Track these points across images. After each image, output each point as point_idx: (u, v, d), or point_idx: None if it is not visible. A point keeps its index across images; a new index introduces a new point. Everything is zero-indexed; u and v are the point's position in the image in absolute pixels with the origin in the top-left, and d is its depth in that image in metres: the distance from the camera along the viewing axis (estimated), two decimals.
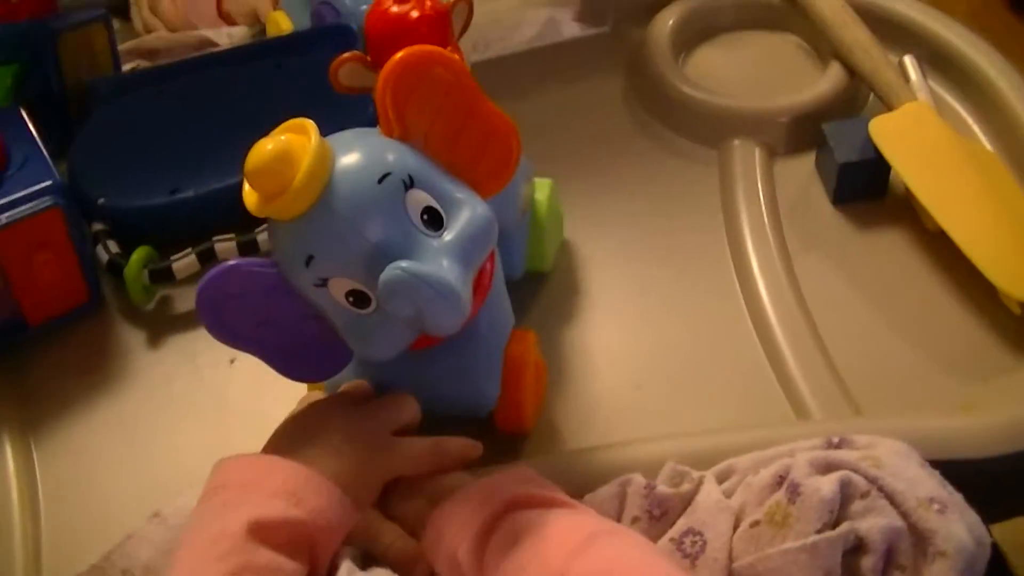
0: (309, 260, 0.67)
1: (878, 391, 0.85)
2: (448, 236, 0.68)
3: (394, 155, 0.69)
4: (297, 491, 0.69)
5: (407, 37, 0.75)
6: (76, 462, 0.89)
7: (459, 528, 0.69)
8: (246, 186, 0.68)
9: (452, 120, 0.71)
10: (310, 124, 0.68)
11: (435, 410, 0.80)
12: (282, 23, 1.17)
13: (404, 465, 0.75)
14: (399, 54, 0.69)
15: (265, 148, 0.66)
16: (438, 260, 0.66)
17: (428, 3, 0.79)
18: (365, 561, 0.73)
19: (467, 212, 0.69)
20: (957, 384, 0.86)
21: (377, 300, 0.67)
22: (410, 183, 0.68)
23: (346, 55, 0.80)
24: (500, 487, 0.71)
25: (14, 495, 0.86)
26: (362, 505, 0.73)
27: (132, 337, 0.97)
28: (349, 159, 0.68)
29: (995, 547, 0.77)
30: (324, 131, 0.68)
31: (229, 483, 0.70)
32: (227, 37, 1.22)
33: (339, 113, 0.74)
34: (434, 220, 0.68)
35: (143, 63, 1.23)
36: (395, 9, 0.78)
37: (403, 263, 0.65)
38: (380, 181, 0.67)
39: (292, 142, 0.66)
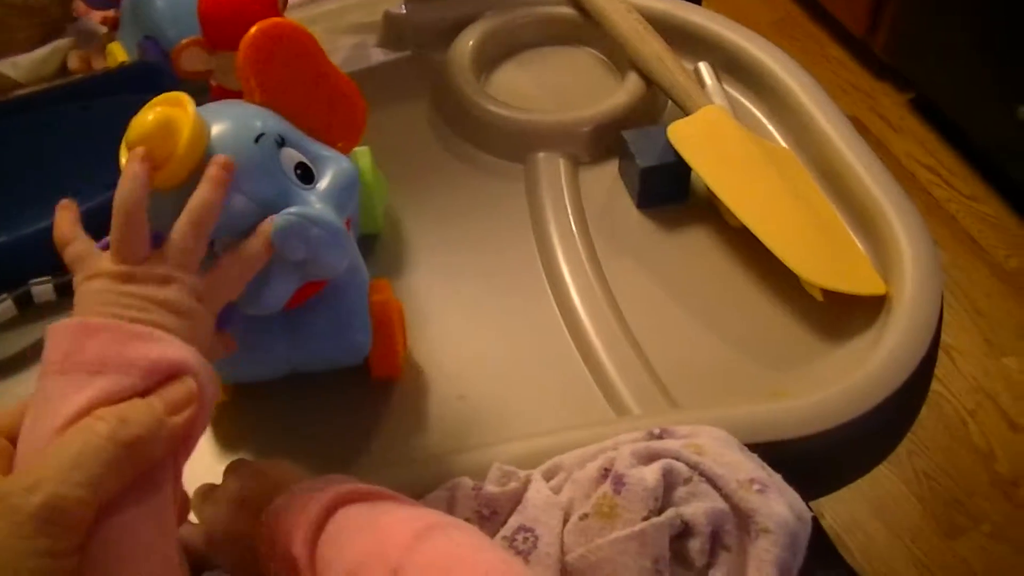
0: None
1: (693, 385, 0.88)
2: (322, 186, 0.73)
3: (262, 118, 0.73)
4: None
5: (243, 15, 0.78)
6: None
7: (291, 524, 0.68)
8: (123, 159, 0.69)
9: (306, 84, 0.77)
10: (185, 96, 0.70)
11: (313, 365, 0.85)
12: (118, 54, 1.17)
13: None
14: (255, 27, 0.73)
15: (146, 119, 0.67)
16: (319, 206, 0.72)
17: None
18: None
19: (334, 166, 0.75)
20: (767, 373, 0.90)
21: None
22: (282, 142, 0.72)
23: (186, 40, 0.84)
24: (328, 484, 0.71)
25: None
26: None
27: None
28: (223, 125, 0.71)
29: (816, 522, 0.80)
30: None
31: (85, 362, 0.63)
32: (11, 67, 1.20)
33: None
34: (306, 174, 0.73)
35: None
36: None
37: (292, 209, 0.70)
38: (256, 141, 0.71)
39: (171, 113, 0.68)
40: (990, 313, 2.12)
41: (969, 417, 1.98)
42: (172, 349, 0.63)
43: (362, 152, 0.95)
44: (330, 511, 0.68)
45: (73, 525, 0.55)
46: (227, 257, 0.70)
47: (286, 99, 0.75)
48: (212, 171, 0.68)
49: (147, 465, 0.59)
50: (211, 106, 0.74)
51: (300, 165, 0.73)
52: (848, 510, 1.85)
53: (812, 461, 0.82)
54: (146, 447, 0.59)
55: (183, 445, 0.63)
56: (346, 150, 0.78)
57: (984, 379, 2.03)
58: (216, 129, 0.70)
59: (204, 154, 0.69)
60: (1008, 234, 2.24)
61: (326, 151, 0.76)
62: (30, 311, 0.95)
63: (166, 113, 0.68)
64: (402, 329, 0.89)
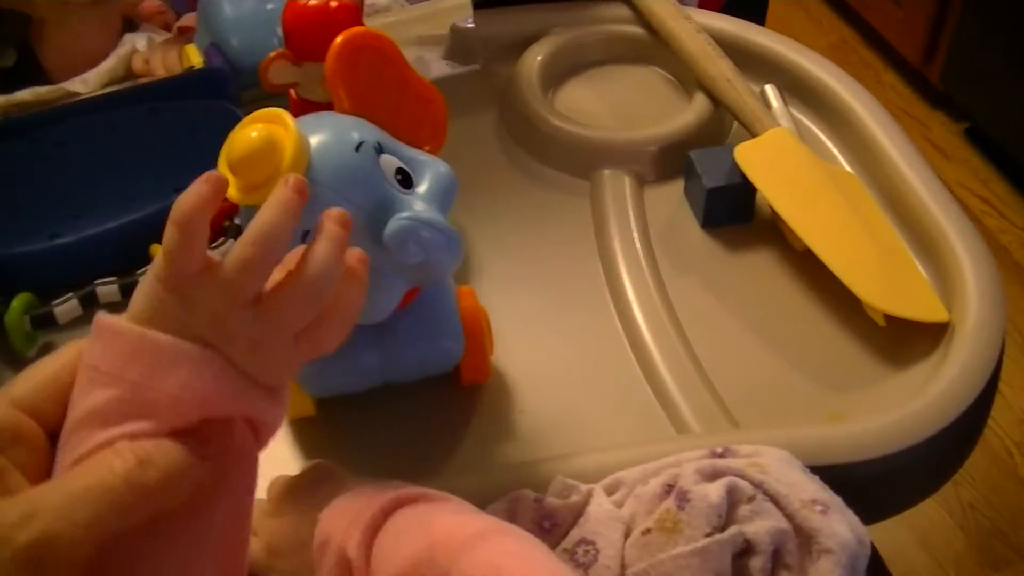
0: (304, 236, 0.64)
1: (753, 405, 0.88)
2: (422, 190, 0.74)
3: (359, 127, 0.74)
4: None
5: (327, 26, 0.79)
6: None
7: (348, 525, 0.68)
8: (228, 177, 0.67)
9: (390, 90, 0.78)
10: (284, 112, 0.70)
11: (404, 374, 0.86)
12: (193, 57, 1.20)
13: None
14: (340, 36, 0.76)
15: (249, 137, 0.67)
16: (425, 209, 0.73)
17: None
18: None
19: (431, 169, 0.76)
20: (827, 395, 0.90)
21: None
22: (380, 149, 0.73)
23: (272, 53, 0.84)
24: (385, 486, 0.71)
25: None
26: None
27: None
28: (322, 137, 0.71)
29: (874, 548, 0.80)
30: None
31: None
32: (81, 84, 1.22)
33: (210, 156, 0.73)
34: (406, 179, 0.74)
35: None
36: (313, 2, 0.82)
37: (404, 214, 0.71)
38: (357, 150, 0.72)
39: (273, 131, 0.68)
40: None
41: (1016, 449, 1.97)
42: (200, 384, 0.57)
43: None
44: (387, 513, 0.68)
45: (62, 568, 0.50)
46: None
47: (373, 106, 0.77)
48: (281, 192, 0.59)
49: (162, 510, 0.54)
50: (306, 119, 0.74)
51: (400, 171, 0.74)
52: (892, 539, 1.84)
53: (868, 486, 0.81)
54: (162, 494, 0.54)
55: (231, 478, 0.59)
56: (433, 153, 0.80)
57: None
58: (315, 141, 0.71)
59: (306, 169, 0.69)
60: None
61: (421, 155, 0.77)
62: (94, 310, 0.95)
63: (268, 131, 0.68)
64: (489, 335, 0.89)
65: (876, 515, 0.85)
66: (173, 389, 0.55)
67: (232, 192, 0.68)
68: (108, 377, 0.55)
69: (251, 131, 0.68)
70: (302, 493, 0.76)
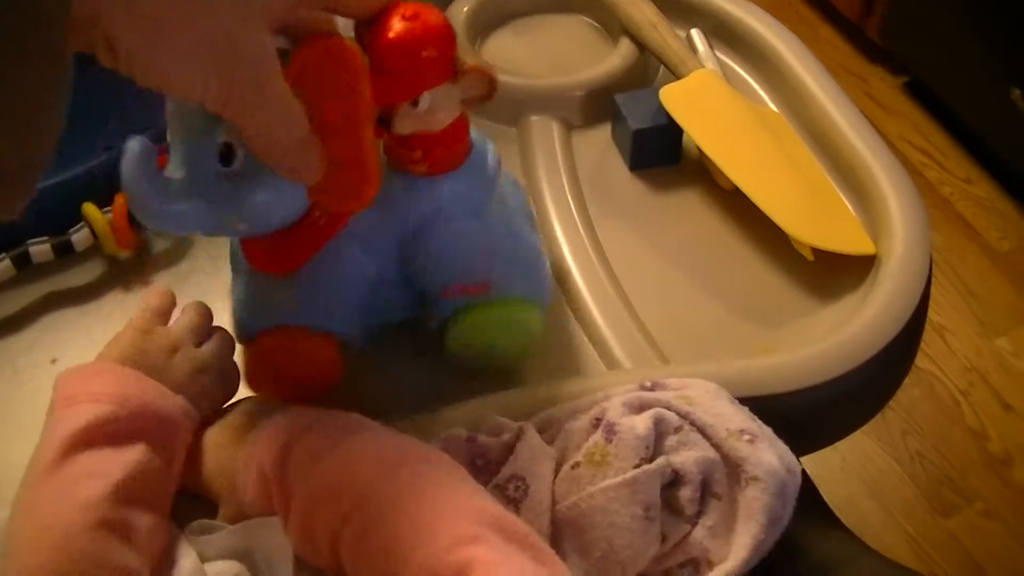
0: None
1: (684, 342, 0.89)
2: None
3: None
4: (123, 391, 0.72)
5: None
6: None
7: (267, 442, 0.71)
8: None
9: (330, 111, 0.69)
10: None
11: None
12: None
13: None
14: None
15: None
16: None
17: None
18: None
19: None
20: (758, 330, 0.91)
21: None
22: None
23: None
24: (309, 410, 0.74)
25: None
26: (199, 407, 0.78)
27: None
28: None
29: (806, 477, 0.81)
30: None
31: (58, 401, 0.72)
32: None
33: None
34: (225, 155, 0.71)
35: None
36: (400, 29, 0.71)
37: None
38: None
39: None
40: (983, 295, 2.13)
41: (962, 397, 1.99)
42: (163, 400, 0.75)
43: None
44: (306, 430, 0.71)
45: None
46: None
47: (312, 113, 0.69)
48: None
49: None
50: None
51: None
52: (842, 489, 1.86)
53: (799, 417, 0.82)
54: None
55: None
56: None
57: (977, 359, 2.04)
58: None
59: None
60: (1001, 217, 2.25)
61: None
62: (28, 271, 0.96)
63: None
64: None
65: (808, 446, 0.86)
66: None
67: None
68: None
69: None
70: (239, 425, 0.78)
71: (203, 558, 0.70)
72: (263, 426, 0.74)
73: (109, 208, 0.95)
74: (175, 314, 0.82)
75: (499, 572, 0.60)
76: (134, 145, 0.69)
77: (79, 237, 0.95)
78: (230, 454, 0.75)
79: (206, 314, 0.82)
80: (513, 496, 0.74)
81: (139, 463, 0.70)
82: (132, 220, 0.94)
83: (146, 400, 0.73)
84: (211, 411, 0.80)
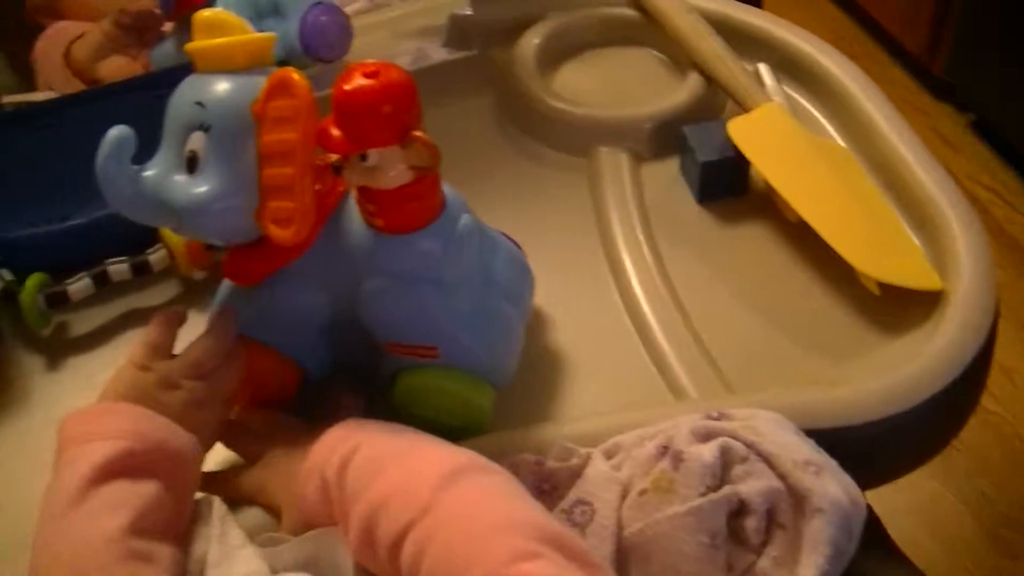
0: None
1: (750, 371, 0.90)
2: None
3: (220, 104, 0.78)
4: (137, 428, 0.74)
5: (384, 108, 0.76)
6: None
7: (329, 452, 0.74)
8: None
9: (270, 137, 0.76)
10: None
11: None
12: None
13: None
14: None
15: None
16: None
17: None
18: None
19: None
20: (822, 362, 0.91)
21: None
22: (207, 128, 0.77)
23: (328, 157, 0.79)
24: (371, 420, 0.77)
25: None
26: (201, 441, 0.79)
27: (30, 363, 0.99)
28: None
29: (870, 511, 0.81)
30: None
31: (70, 441, 0.73)
32: None
33: None
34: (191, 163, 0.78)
35: None
36: (363, 83, 0.75)
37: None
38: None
39: None
40: None
41: None
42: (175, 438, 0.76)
43: None
44: (367, 439, 0.74)
45: None
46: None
47: (264, 132, 0.77)
48: (218, 327, 0.83)
49: None
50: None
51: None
52: (907, 529, 1.84)
53: (863, 450, 0.82)
54: None
55: None
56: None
57: None
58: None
59: None
60: None
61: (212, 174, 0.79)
62: (107, 289, 1.00)
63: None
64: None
65: (871, 480, 0.86)
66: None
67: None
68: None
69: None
70: (299, 436, 0.80)
71: (273, 570, 0.71)
72: (324, 436, 0.76)
73: None
74: None
75: None
76: (114, 132, 0.77)
77: (156, 258, 0.99)
78: (293, 465, 0.77)
79: (213, 348, 0.83)
80: (579, 521, 0.75)
81: (155, 496, 0.71)
82: (207, 243, 0.96)
83: (160, 437, 0.74)
84: (214, 439, 0.83)
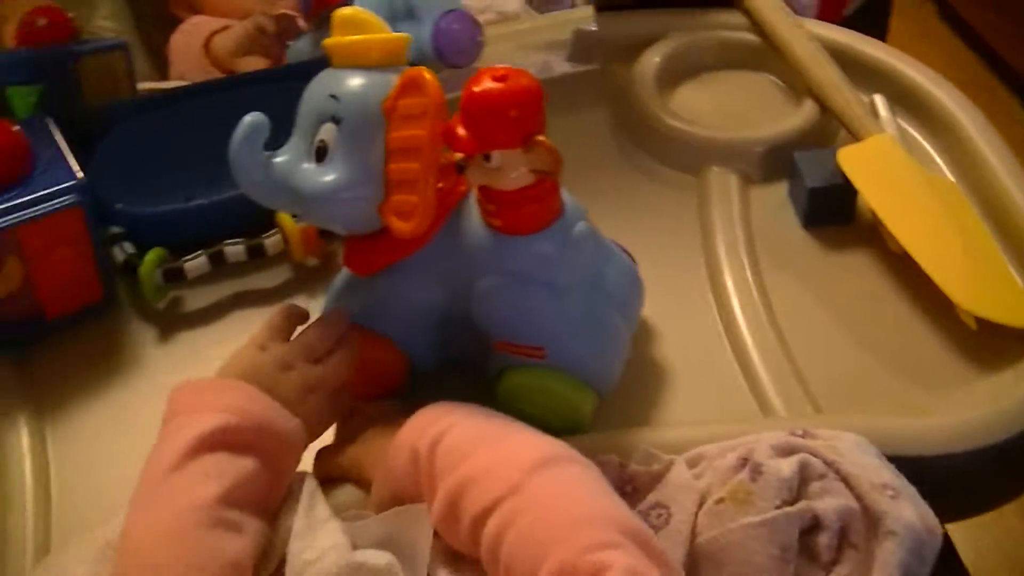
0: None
1: (840, 394, 0.91)
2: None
3: (353, 98, 0.82)
4: (244, 405, 0.78)
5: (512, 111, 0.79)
6: (87, 447, 0.95)
7: (422, 427, 0.77)
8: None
9: (399, 132, 0.81)
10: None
11: None
12: None
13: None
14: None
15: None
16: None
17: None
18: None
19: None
20: (914, 392, 0.92)
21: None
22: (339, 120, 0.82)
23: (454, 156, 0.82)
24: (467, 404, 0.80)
25: (28, 476, 0.92)
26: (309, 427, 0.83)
27: (143, 333, 1.04)
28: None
29: (949, 543, 0.82)
30: None
31: (179, 409, 0.78)
32: None
33: None
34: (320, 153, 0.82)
35: None
36: (494, 85, 0.78)
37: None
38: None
39: None
40: None
41: None
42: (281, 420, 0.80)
43: None
44: (461, 419, 0.77)
45: None
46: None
47: (392, 129, 0.81)
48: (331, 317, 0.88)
49: None
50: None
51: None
52: (990, 566, 1.83)
53: (943, 482, 0.83)
54: None
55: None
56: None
57: None
58: None
59: None
60: None
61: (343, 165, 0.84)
62: (222, 269, 1.04)
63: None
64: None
65: (951, 513, 0.86)
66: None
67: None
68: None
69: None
70: (394, 416, 0.84)
71: (354, 545, 0.75)
72: (419, 413, 0.79)
73: None
74: None
75: None
76: (249, 119, 0.82)
77: (271, 242, 1.04)
78: (387, 442, 0.80)
79: (325, 333, 0.87)
80: (655, 523, 0.77)
81: (252, 472, 0.75)
82: (321, 231, 1.01)
83: (266, 417, 0.79)
84: (323, 427, 0.86)
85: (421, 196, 0.79)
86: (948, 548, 0.82)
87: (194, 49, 1.39)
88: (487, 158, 0.79)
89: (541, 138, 0.78)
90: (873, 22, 1.32)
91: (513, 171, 0.79)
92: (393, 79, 0.81)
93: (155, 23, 1.47)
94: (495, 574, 0.70)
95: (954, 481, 0.85)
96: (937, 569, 0.76)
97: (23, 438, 0.95)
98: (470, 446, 0.74)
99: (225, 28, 1.39)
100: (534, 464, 0.71)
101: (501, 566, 0.68)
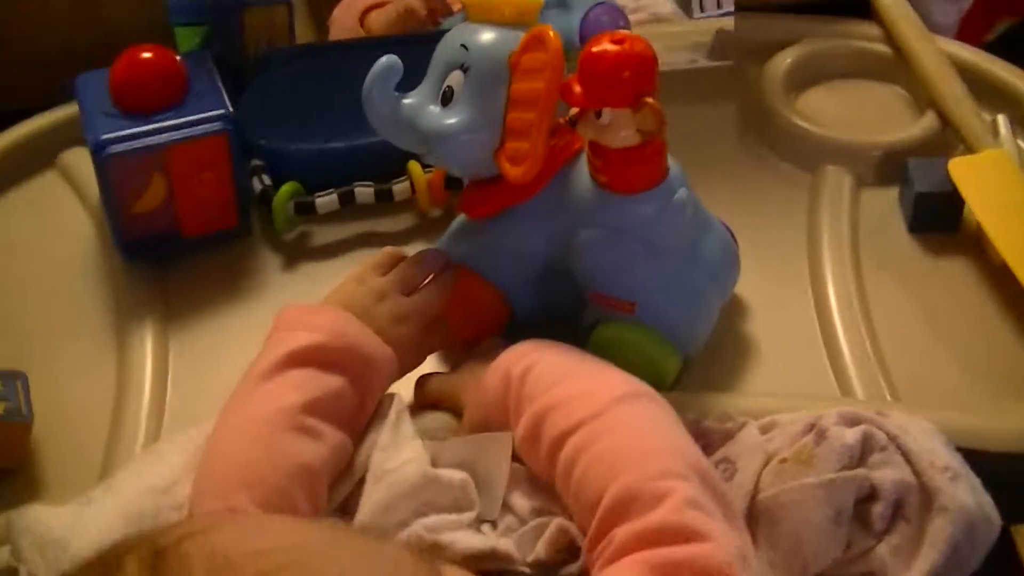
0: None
1: (920, 390, 0.94)
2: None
3: (482, 49, 0.88)
4: (337, 327, 0.85)
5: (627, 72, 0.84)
6: (204, 356, 1.02)
7: (516, 354, 0.83)
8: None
9: (520, 84, 0.86)
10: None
11: None
12: None
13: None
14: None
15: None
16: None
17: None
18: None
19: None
20: (996, 398, 0.95)
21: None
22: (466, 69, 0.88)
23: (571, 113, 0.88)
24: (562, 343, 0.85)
25: (148, 374, 0.99)
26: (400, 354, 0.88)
27: (271, 261, 1.10)
28: None
29: (1009, 539, 0.84)
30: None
31: (280, 327, 0.86)
32: None
33: None
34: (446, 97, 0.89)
35: None
36: (611, 48, 0.84)
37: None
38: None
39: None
40: None
41: None
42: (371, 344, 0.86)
43: None
44: (554, 351, 0.83)
45: None
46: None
47: (517, 79, 0.87)
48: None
49: None
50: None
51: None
52: None
53: (1012, 481, 0.85)
54: None
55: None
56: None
57: None
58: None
59: None
60: None
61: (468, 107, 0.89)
62: (350, 208, 1.11)
63: None
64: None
65: (1011, 516, 0.88)
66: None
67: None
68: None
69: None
70: (480, 355, 0.90)
71: (435, 463, 0.81)
72: (516, 345, 0.85)
73: (430, 168, 1.08)
74: None
75: (691, 511, 0.68)
76: (384, 60, 0.88)
77: (399, 188, 1.10)
78: (482, 371, 0.86)
79: (419, 268, 0.93)
80: (721, 476, 0.81)
81: (338, 388, 0.82)
82: (447, 183, 1.07)
83: (357, 340, 0.85)
84: (417, 357, 0.93)
85: (533, 144, 0.85)
86: (1009, 547, 0.83)
87: (351, 22, 1.45)
88: (598, 115, 0.84)
89: (650, 100, 0.83)
90: (1016, 51, 1.32)
91: (621, 129, 0.84)
92: (521, 36, 0.86)
93: None
94: (566, 495, 0.75)
95: (1018, 480, 0.86)
96: (994, 566, 0.79)
97: (148, 341, 1.02)
98: (560, 375, 0.80)
99: (381, 4, 1.46)
100: (617, 397, 0.76)
101: (572, 487, 0.74)
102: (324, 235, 1.12)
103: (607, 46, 0.83)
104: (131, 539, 0.55)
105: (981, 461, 0.81)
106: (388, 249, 0.95)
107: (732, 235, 0.97)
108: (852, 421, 0.81)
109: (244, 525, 0.57)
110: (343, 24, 1.46)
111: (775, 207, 1.13)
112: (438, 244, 0.97)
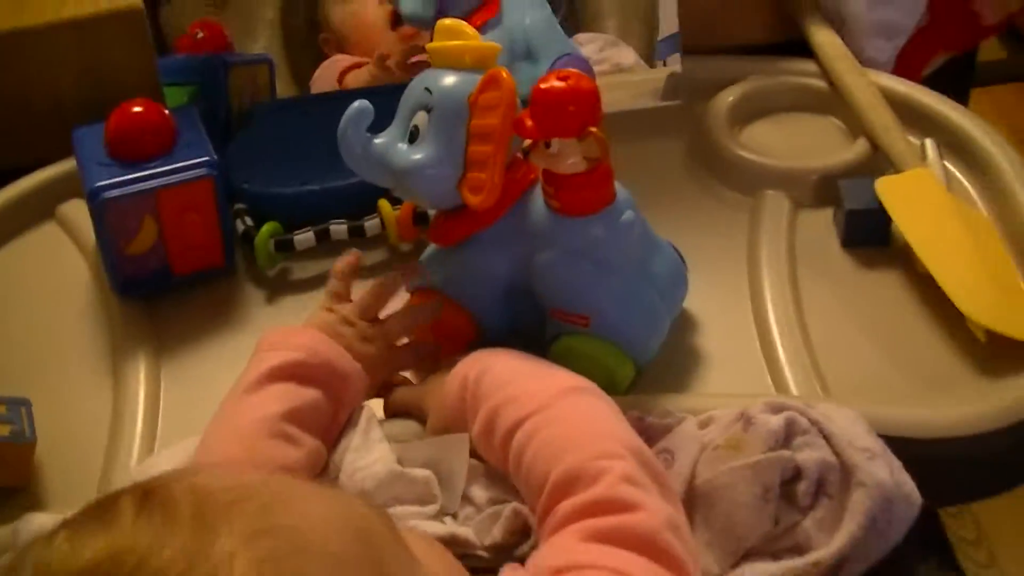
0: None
1: (850, 386, 1.02)
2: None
3: (444, 91, 0.96)
4: (314, 346, 0.93)
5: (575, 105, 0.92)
6: (194, 383, 1.10)
7: (473, 361, 0.92)
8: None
9: (479, 120, 0.94)
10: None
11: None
12: None
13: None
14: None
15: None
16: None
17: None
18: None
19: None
20: (919, 390, 1.02)
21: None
22: (430, 109, 0.96)
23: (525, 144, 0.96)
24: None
25: (141, 400, 1.07)
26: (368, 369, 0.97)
27: (255, 296, 1.18)
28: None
29: (934, 518, 0.91)
30: None
31: (263, 347, 0.94)
32: None
33: None
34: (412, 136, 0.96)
35: None
36: (560, 84, 0.92)
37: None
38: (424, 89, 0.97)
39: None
40: None
41: None
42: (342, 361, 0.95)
43: None
44: (507, 359, 0.91)
45: None
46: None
47: (475, 114, 0.95)
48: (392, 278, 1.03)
49: None
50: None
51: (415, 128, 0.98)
52: None
53: (932, 466, 0.91)
54: None
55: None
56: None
57: None
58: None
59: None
60: None
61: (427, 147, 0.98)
62: (326, 244, 1.18)
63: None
64: None
65: (938, 499, 0.95)
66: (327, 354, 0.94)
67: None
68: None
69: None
70: (445, 368, 0.97)
71: (401, 462, 0.89)
72: (474, 352, 0.94)
73: (399, 206, 1.16)
74: None
75: (626, 486, 0.76)
76: (356, 105, 0.96)
77: (371, 225, 1.18)
78: (443, 379, 0.94)
79: (378, 294, 1.01)
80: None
81: (314, 400, 0.91)
82: (415, 218, 1.15)
83: (330, 357, 0.94)
84: (385, 372, 1.01)
85: (490, 174, 0.93)
86: (936, 529, 0.90)
87: (330, 82, 1.54)
88: (548, 145, 0.92)
89: (594, 129, 0.91)
90: (952, 83, 1.41)
91: (569, 157, 0.92)
92: (479, 78, 0.95)
93: (303, 53, 1.63)
94: (517, 481, 0.84)
95: (941, 467, 0.95)
96: (920, 545, 0.87)
97: (141, 370, 1.10)
98: (511, 376, 0.88)
99: (359, 65, 1.55)
100: (562, 391, 0.85)
101: (523, 472, 0.82)
102: (303, 270, 1.20)
103: (554, 83, 0.91)
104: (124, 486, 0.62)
105: (907, 448, 0.89)
106: (336, 271, 1.03)
107: (680, 256, 1.05)
108: (777, 409, 0.88)
109: (223, 470, 0.64)
110: (323, 83, 1.55)
111: (720, 229, 1.20)
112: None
